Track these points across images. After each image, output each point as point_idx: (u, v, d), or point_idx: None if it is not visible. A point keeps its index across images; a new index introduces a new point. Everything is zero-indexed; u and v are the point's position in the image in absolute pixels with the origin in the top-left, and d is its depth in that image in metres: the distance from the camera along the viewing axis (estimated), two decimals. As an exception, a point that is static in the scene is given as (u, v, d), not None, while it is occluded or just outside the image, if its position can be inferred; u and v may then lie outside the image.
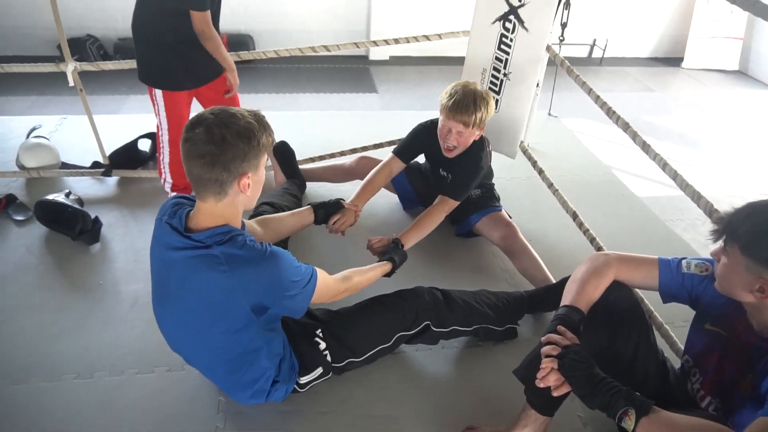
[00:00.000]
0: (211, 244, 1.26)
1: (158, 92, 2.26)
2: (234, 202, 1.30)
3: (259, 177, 1.33)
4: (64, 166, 2.79)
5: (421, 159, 2.42)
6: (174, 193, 2.45)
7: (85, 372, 1.74)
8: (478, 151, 2.15)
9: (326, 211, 1.97)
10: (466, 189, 2.15)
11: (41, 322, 1.92)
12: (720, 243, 1.21)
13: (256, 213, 2.15)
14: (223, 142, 1.21)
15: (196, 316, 1.35)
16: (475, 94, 2.02)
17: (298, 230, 1.96)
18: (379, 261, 1.83)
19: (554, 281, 2.06)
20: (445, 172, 2.27)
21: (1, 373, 1.72)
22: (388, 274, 1.81)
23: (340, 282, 1.56)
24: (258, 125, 1.27)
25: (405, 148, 2.25)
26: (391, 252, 1.86)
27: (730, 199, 3.58)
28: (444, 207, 2.10)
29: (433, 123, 2.19)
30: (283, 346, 1.53)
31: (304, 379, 1.59)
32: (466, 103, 2.00)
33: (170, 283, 1.36)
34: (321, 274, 1.44)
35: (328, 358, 1.61)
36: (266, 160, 1.35)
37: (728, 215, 1.19)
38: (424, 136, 2.23)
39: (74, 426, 1.58)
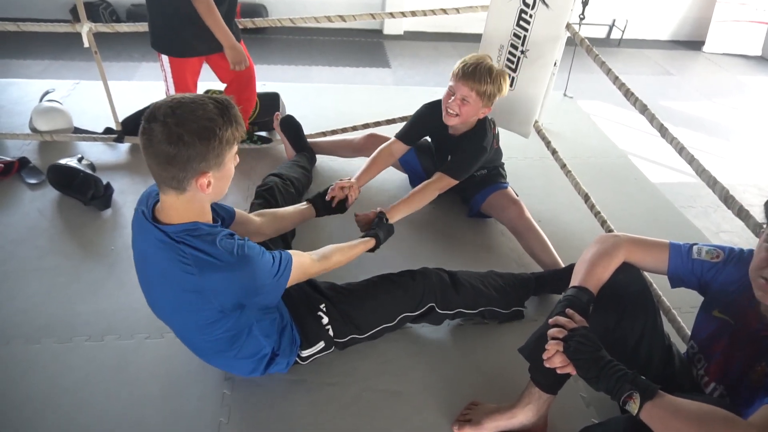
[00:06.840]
0: (179, 242, 1.21)
1: (165, 58, 2.25)
2: (196, 198, 1.23)
3: (223, 173, 1.24)
4: (77, 131, 2.79)
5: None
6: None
7: (96, 335, 1.77)
8: (483, 133, 2.10)
9: (324, 204, 1.92)
10: (466, 169, 2.08)
11: (54, 284, 1.94)
12: None
13: (261, 185, 2.14)
14: (179, 142, 1.12)
15: (179, 304, 1.31)
16: (491, 66, 1.98)
17: (299, 224, 1.91)
18: (362, 236, 1.78)
19: (561, 262, 2.06)
20: (450, 156, 2.20)
21: (15, 332, 1.76)
22: (372, 250, 1.75)
23: (318, 263, 1.50)
24: (221, 119, 1.16)
25: (408, 131, 2.20)
26: (375, 227, 1.80)
27: (744, 187, 3.54)
28: (439, 184, 2.04)
29: (439, 103, 2.11)
30: (284, 320, 1.53)
31: (305, 353, 1.60)
32: (480, 71, 1.95)
33: (150, 273, 1.34)
34: (297, 258, 1.39)
35: (331, 332, 1.61)
36: (235, 153, 1.26)
37: None
38: (429, 117, 2.16)
39: (83, 387, 1.61)
